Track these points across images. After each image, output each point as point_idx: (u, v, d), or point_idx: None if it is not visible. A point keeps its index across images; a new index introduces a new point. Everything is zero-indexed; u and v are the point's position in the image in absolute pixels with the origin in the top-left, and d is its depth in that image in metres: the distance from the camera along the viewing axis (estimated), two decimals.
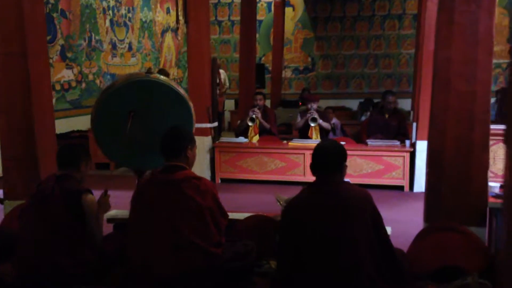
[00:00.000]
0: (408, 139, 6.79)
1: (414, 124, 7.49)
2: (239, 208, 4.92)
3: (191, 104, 3.71)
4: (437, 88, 3.36)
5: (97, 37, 9.19)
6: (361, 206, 2.59)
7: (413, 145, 6.46)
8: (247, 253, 3.01)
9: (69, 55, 8.31)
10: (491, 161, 3.63)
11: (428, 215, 3.54)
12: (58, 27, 8.00)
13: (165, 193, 2.73)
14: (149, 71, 3.62)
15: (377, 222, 2.63)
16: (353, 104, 12.35)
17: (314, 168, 2.71)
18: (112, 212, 3.83)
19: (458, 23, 3.19)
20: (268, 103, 9.96)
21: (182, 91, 3.71)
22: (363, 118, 10.48)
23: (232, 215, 3.15)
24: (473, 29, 3.17)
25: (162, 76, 3.72)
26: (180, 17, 6.73)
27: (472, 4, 3.14)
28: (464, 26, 3.18)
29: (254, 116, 7.12)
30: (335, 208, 2.56)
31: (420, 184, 6.35)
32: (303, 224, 2.58)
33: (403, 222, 4.81)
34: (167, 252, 2.66)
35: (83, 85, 8.72)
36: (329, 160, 2.67)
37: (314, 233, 2.53)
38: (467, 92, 3.23)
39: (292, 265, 2.60)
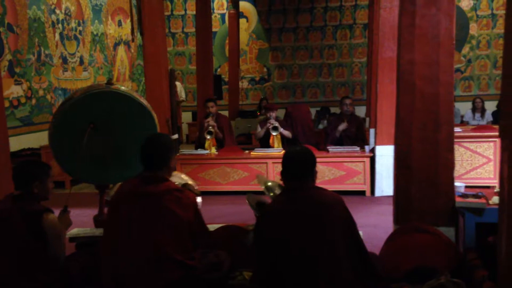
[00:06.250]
0: (366, 144, 6.87)
1: (372, 130, 7.61)
2: (206, 220, 4.80)
3: (154, 115, 3.61)
4: (402, 90, 3.39)
5: (46, 51, 8.87)
6: (336, 213, 2.54)
7: (372, 150, 6.55)
8: (221, 264, 2.94)
9: (17, 70, 7.96)
10: None
11: (398, 217, 3.56)
12: (5, 41, 7.66)
13: (146, 206, 2.61)
14: (109, 82, 3.48)
15: (352, 228, 2.61)
16: None
17: (285, 175, 2.66)
18: (74, 231, 3.66)
19: (419, 26, 3.25)
20: (226, 114, 9.92)
21: (144, 101, 3.60)
22: (320, 126, 10.60)
23: None
24: (434, 32, 3.23)
25: (123, 87, 3.60)
26: (135, 29, 6.57)
27: (432, 8, 3.20)
28: (425, 29, 3.24)
29: (211, 129, 7.02)
30: (310, 217, 2.51)
31: (380, 189, 6.45)
32: (279, 236, 2.51)
33: (370, 226, 4.85)
34: (144, 266, 2.54)
35: (33, 101, 8.36)
36: (301, 167, 2.62)
37: (291, 245, 2.48)
38: (431, 94, 3.28)
39: (268, 276, 2.53)
